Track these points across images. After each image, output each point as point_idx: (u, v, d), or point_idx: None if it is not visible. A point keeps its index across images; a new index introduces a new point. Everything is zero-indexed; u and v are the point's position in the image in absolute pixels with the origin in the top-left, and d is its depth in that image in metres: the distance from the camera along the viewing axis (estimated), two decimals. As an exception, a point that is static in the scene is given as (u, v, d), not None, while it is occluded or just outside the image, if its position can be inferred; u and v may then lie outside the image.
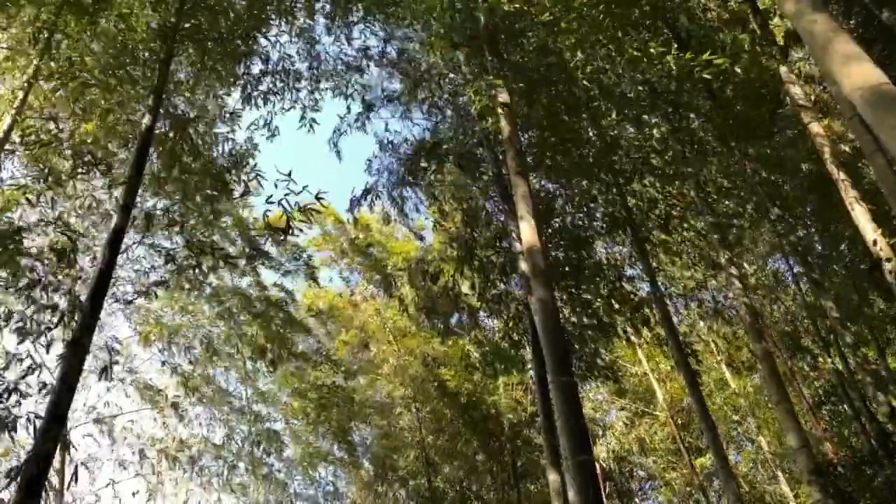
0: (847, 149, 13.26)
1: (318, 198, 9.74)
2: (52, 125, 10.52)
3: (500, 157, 10.89)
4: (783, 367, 15.88)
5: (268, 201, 9.51)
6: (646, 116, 12.06)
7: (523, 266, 9.06)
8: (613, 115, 11.43)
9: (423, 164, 12.44)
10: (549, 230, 11.76)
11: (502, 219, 12.32)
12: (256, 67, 12.15)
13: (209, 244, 11.40)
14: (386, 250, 22.12)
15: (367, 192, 12.80)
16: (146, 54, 9.95)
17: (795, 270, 15.83)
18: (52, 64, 9.74)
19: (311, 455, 22.35)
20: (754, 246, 16.06)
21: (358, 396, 21.90)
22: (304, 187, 9.27)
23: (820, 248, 14.82)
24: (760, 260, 17.47)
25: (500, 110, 8.36)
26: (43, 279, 9.68)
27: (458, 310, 13.86)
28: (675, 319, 13.49)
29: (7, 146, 9.92)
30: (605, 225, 12.27)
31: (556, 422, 9.65)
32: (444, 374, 20.31)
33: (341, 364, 21.61)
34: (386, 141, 13.15)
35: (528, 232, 7.13)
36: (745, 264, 16.50)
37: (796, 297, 16.92)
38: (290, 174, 9.00)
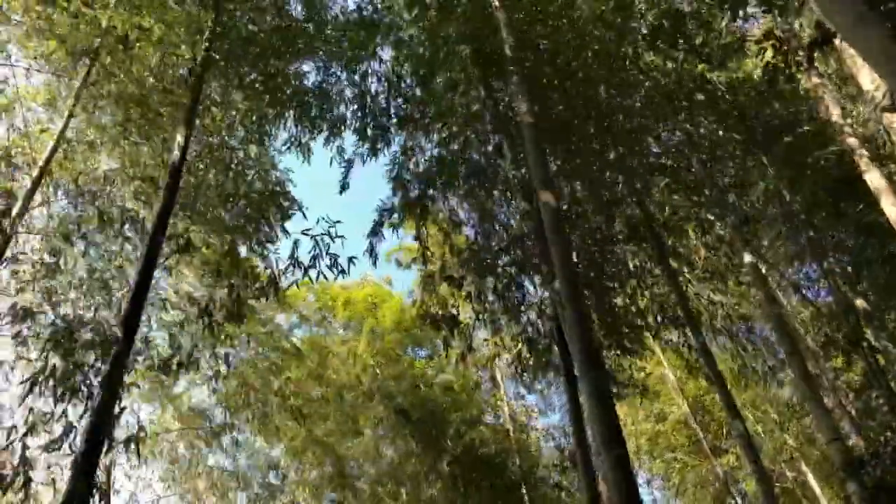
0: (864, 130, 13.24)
1: (350, 260, 10.43)
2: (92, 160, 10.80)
3: (519, 158, 10.91)
4: (812, 364, 15.74)
5: (303, 233, 9.77)
6: (660, 123, 12.10)
7: (548, 265, 9.06)
8: (625, 118, 11.47)
9: (442, 179, 12.33)
10: (572, 237, 11.78)
11: (513, 224, 12.37)
12: (286, 93, 12.48)
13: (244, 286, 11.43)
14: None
15: (386, 210, 12.63)
16: (182, 74, 10.28)
17: (821, 269, 15.71)
18: (94, 90, 10.06)
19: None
20: (779, 247, 15.93)
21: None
22: (340, 236, 10.01)
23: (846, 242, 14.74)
24: (784, 261, 17.32)
25: (521, 109, 8.42)
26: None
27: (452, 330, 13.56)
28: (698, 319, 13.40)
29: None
30: (625, 229, 12.25)
31: (583, 419, 9.73)
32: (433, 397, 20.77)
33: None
34: (399, 162, 13.04)
35: (552, 230, 7.15)
36: (770, 262, 16.39)
37: (822, 294, 16.81)
38: (336, 222, 9.81)
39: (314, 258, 10.16)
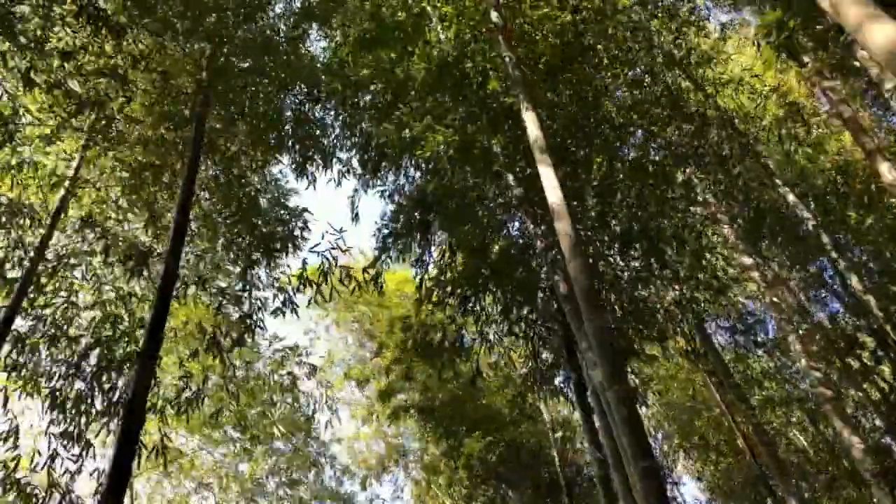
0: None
1: (366, 270, 10.53)
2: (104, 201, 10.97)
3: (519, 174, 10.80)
4: (838, 365, 15.49)
5: (311, 250, 9.68)
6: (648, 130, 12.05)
7: (563, 277, 8.90)
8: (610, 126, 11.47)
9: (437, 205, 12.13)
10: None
11: (513, 241, 12.21)
12: (285, 125, 12.73)
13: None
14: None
15: (389, 236, 12.42)
16: (184, 110, 10.49)
17: (835, 271, 15.56)
18: (99, 135, 10.38)
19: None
20: (791, 249, 15.78)
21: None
22: (349, 248, 9.91)
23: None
24: (798, 263, 17.14)
25: (528, 113, 8.35)
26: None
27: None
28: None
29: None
30: (619, 238, 12.16)
31: (598, 431, 9.59)
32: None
33: None
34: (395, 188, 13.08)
35: (567, 240, 7.04)
36: (777, 265, 16.27)
37: (841, 295, 16.62)
38: (341, 230, 9.32)
39: (324, 274, 9.99)
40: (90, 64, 9.50)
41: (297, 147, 12.86)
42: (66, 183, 9.93)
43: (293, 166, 13.03)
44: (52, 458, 9.14)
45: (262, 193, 12.60)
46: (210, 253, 12.11)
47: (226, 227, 11.92)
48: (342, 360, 24.47)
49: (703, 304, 13.29)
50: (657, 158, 12.18)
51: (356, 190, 12.92)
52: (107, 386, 9.66)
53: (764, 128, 13.40)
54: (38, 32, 8.67)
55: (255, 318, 11.55)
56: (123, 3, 9.48)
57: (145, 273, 11.19)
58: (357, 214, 12.71)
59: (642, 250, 11.85)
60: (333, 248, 9.89)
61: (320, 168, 13.06)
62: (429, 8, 11.74)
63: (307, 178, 13.02)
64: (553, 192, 7.65)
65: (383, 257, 11.88)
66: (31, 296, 9.88)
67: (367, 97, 12.71)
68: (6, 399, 9.50)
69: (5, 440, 9.15)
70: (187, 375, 10.38)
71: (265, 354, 17.73)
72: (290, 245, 11.98)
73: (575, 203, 12.03)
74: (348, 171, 13.19)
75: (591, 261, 11.88)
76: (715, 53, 12.74)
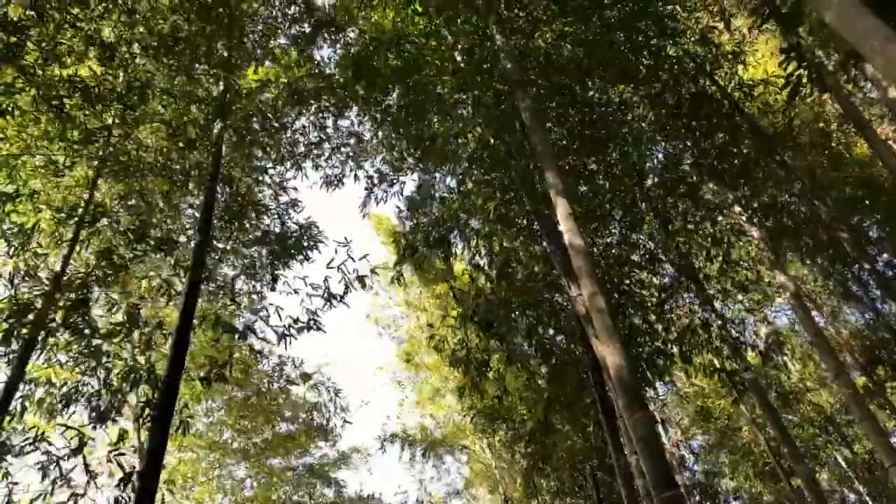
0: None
1: (373, 271, 10.40)
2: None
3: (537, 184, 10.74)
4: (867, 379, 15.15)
5: (328, 266, 9.65)
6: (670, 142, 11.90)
7: (581, 304, 8.79)
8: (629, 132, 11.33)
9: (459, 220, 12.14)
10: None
11: (535, 262, 12.15)
12: (300, 139, 12.78)
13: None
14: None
15: (409, 248, 12.50)
16: (197, 133, 10.36)
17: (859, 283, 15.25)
18: (111, 162, 10.21)
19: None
20: (816, 258, 15.48)
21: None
22: (363, 256, 9.76)
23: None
24: (827, 274, 16.80)
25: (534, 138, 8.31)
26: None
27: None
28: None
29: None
30: (646, 254, 12.00)
31: (625, 456, 9.44)
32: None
33: None
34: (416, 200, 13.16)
35: (581, 263, 6.93)
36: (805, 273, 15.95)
37: (866, 304, 16.24)
38: (348, 241, 9.27)
39: (346, 286, 10.08)
40: (99, 92, 9.46)
41: (324, 160, 13.10)
42: (80, 211, 9.87)
43: (321, 181, 13.24)
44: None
45: (272, 199, 12.62)
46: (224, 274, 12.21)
47: (238, 250, 12.00)
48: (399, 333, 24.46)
49: (734, 320, 13.06)
50: (684, 169, 12.05)
51: (367, 198, 13.12)
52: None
53: (792, 134, 13.17)
54: (43, 62, 8.73)
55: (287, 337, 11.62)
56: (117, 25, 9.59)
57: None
58: (367, 214, 13.16)
59: (672, 264, 11.70)
60: (348, 260, 9.96)
61: (343, 177, 13.29)
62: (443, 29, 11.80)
63: (332, 185, 13.25)
64: (566, 222, 7.53)
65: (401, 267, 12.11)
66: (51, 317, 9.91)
67: (386, 106, 12.87)
68: (24, 408, 9.40)
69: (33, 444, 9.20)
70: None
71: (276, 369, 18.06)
72: (303, 258, 11.98)
73: (599, 220, 11.99)
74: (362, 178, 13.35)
75: (612, 278, 11.79)
76: (741, 51, 12.56)
